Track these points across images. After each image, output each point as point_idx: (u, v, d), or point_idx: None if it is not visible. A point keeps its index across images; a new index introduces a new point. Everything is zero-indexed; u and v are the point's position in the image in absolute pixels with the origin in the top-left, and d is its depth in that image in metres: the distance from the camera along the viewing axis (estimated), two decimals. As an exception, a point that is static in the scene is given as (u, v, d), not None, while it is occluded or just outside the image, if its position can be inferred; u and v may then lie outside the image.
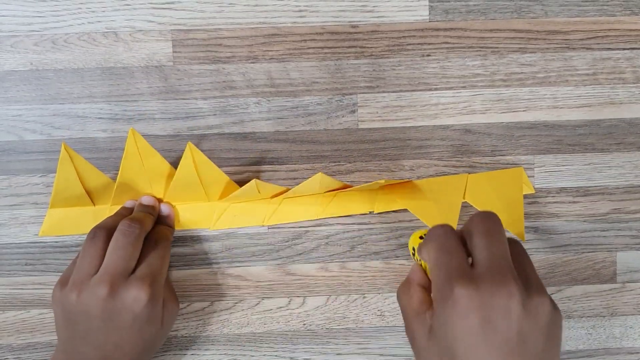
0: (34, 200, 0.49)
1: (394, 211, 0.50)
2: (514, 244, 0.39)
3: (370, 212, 0.50)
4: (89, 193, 0.48)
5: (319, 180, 0.46)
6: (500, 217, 0.40)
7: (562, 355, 0.51)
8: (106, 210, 0.48)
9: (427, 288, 0.40)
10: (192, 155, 0.46)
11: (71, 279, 0.43)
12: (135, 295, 0.42)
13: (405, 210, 0.50)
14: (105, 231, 0.44)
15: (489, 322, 0.35)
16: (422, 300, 0.39)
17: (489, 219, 0.38)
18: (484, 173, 0.50)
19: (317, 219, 0.50)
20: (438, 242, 0.38)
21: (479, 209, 0.48)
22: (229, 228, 0.49)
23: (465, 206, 0.50)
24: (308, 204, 0.49)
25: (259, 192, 0.48)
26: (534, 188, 0.50)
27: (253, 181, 0.46)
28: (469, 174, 0.50)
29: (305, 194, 0.49)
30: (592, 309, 0.51)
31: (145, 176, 0.48)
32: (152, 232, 0.46)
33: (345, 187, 0.49)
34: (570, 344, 0.51)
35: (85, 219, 0.48)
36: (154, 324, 0.44)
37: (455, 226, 0.44)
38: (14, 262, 0.49)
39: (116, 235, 0.44)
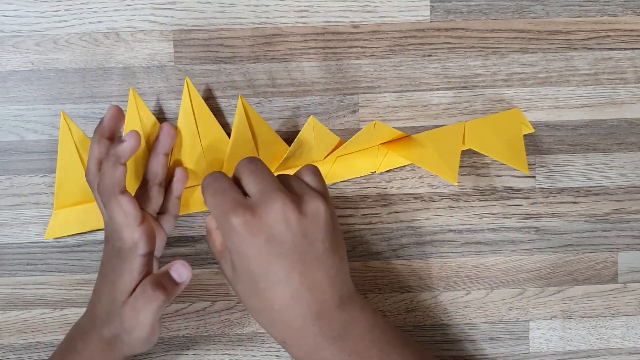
0: (36, 201, 0.49)
1: (395, 212, 0.50)
2: (281, 176, 0.42)
3: (373, 173, 0.49)
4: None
5: (372, 128, 0.45)
6: (502, 156, 0.46)
7: (563, 355, 0.51)
8: None
9: None
10: (245, 113, 0.47)
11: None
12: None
13: (406, 210, 0.50)
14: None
15: (273, 237, 0.38)
16: (221, 241, 0.41)
17: (250, 162, 0.41)
18: (481, 118, 0.49)
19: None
20: (210, 188, 0.40)
21: (482, 153, 0.48)
22: None
23: (470, 154, 0.50)
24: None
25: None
26: (535, 188, 0.50)
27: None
28: (466, 121, 0.49)
29: (357, 149, 0.48)
30: (594, 309, 0.51)
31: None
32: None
33: (401, 135, 0.48)
34: (571, 344, 0.51)
35: (89, 216, 0.48)
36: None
37: (456, 172, 0.45)
38: (16, 262, 0.49)
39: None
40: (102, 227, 0.48)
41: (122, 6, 0.48)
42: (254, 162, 0.41)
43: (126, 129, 0.46)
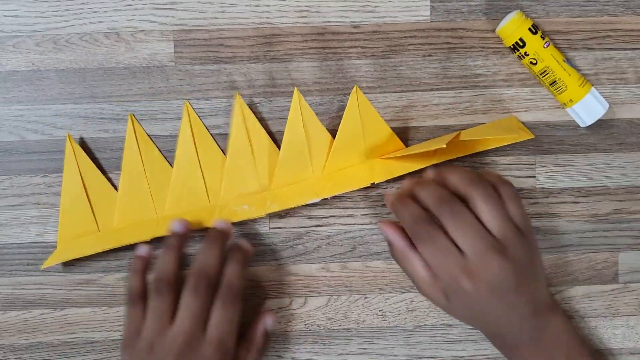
0: (36, 201, 0.49)
1: (395, 211, 0.50)
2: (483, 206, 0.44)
3: (371, 184, 0.49)
4: (91, 203, 0.48)
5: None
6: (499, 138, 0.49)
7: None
8: (110, 237, 0.48)
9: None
10: (357, 101, 0.47)
11: (144, 335, 0.43)
12: (207, 358, 0.43)
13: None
14: (168, 284, 0.44)
15: (492, 288, 0.43)
16: (428, 273, 0.44)
17: (454, 212, 0.43)
18: (476, 127, 0.49)
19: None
20: (431, 245, 0.43)
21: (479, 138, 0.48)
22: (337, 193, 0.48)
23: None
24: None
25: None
26: (536, 188, 0.50)
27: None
28: (461, 131, 0.49)
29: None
30: (594, 309, 0.51)
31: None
32: (222, 277, 0.45)
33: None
34: (572, 344, 0.51)
35: (88, 246, 0.48)
36: None
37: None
38: (16, 262, 0.49)
39: (185, 295, 0.43)
40: (105, 249, 0.48)
41: (123, 6, 0.48)
42: (458, 212, 0.43)
43: (180, 143, 0.48)
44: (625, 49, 0.50)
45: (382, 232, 0.46)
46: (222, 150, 0.49)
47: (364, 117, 0.48)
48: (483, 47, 0.49)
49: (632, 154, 0.50)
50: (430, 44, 0.49)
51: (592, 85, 0.49)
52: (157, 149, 0.49)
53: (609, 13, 0.49)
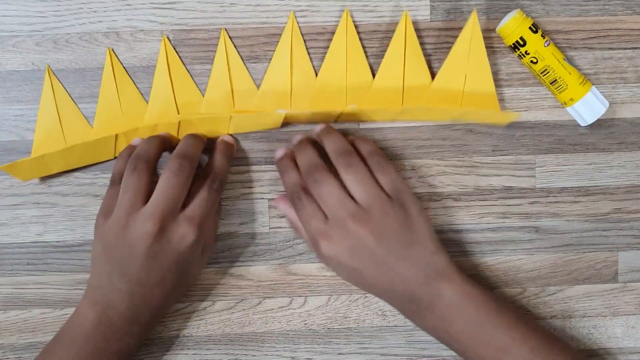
0: (36, 200, 0.49)
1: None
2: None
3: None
4: (65, 135, 0.48)
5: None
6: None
7: (563, 355, 0.51)
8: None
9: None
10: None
11: (115, 212, 0.43)
12: (183, 235, 0.43)
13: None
14: (146, 163, 0.44)
15: (352, 250, 0.44)
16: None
17: (321, 181, 0.44)
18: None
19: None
20: (303, 211, 0.45)
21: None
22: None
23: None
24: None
25: None
26: (536, 187, 0.50)
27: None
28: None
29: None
30: (594, 308, 0.51)
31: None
32: (208, 166, 0.46)
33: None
34: (571, 344, 0.51)
35: (68, 159, 0.48)
36: (195, 264, 0.46)
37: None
38: (16, 262, 0.49)
39: (167, 174, 0.43)
40: (81, 165, 0.48)
41: (122, 6, 0.48)
42: (321, 182, 0.44)
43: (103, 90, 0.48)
44: (625, 49, 0.50)
45: (277, 208, 0.49)
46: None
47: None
48: (483, 47, 0.49)
49: (632, 153, 0.50)
50: (430, 43, 0.49)
51: (592, 84, 0.49)
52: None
53: (609, 12, 0.49)
